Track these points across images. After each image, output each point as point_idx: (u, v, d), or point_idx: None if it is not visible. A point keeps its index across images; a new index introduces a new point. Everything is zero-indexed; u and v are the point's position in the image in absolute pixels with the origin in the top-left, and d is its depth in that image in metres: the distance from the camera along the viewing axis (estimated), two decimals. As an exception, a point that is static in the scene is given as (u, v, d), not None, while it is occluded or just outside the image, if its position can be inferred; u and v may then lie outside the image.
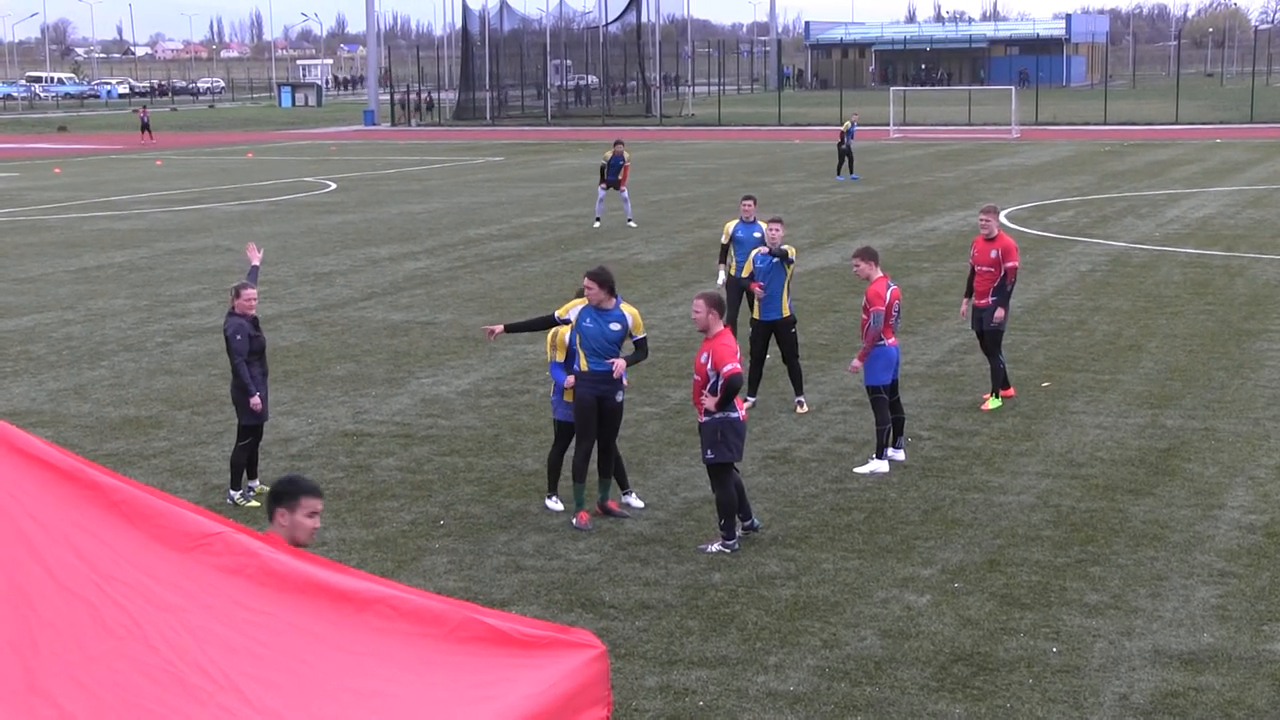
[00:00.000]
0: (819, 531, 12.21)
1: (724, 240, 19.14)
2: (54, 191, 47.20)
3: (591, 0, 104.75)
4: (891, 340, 14.13)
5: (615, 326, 12.12)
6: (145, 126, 79.37)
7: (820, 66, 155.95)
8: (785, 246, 16.13)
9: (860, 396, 16.29)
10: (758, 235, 17.84)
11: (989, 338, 16.20)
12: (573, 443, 12.60)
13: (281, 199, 43.26)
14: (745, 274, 16.55)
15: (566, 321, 12.31)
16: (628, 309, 12.27)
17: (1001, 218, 33.98)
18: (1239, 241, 29.32)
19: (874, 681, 9.32)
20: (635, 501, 12.95)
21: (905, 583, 11.01)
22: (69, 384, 18.01)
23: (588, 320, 12.12)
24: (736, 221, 18.91)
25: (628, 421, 15.87)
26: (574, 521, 12.35)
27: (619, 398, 12.39)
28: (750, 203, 18.95)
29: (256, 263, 14.20)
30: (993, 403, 16.17)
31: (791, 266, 16.13)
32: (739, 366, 11.58)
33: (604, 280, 12.12)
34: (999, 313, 16.06)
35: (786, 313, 16.17)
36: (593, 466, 12.72)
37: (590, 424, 12.33)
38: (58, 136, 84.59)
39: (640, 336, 12.29)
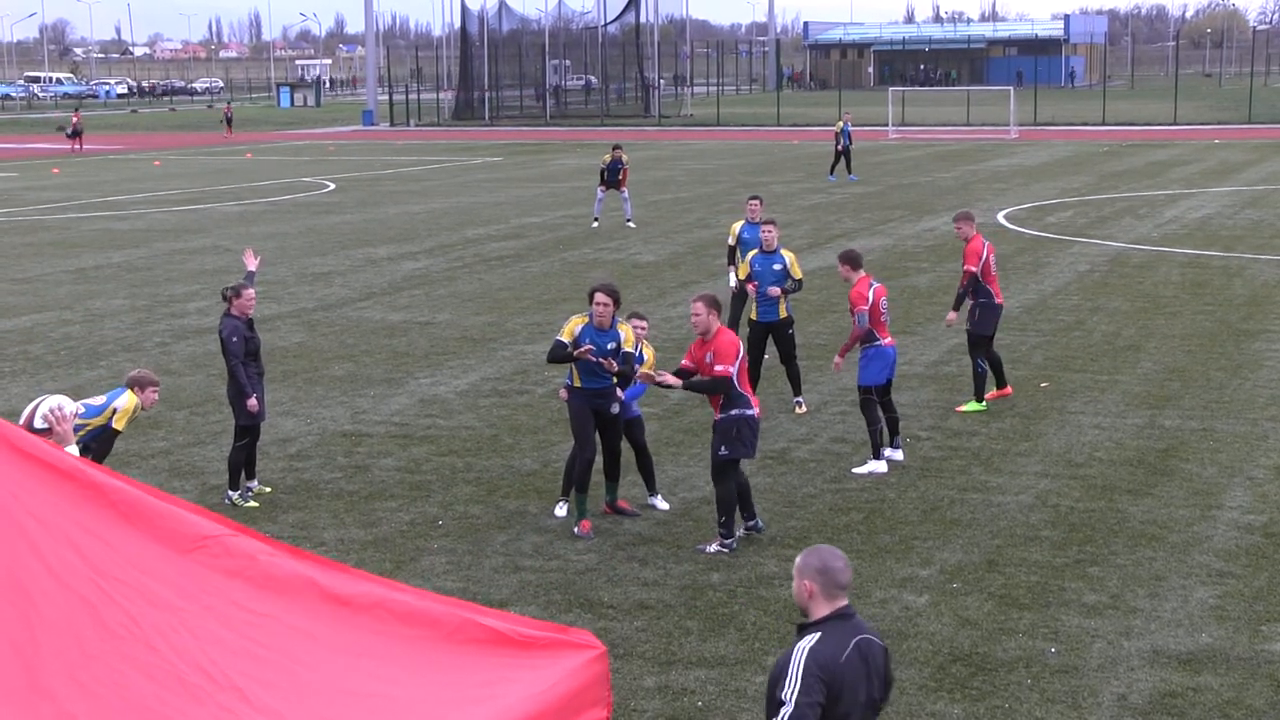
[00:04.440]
0: (818, 532, 12.21)
1: (730, 241, 19.14)
2: (52, 192, 47.19)
3: (590, 0, 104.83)
4: (888, 340, 14.18)
5: (611, 345, 12.15)
6: (227, 121, 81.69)
7: (819, 67, 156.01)
8: (799, 278, 16.17)
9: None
10: (779, 268, 17.89)
11: (968, 340, 16.33)
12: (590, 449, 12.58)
13: (280, 199, 43.26)
14: (741, 275, 16.58)
15: (579, 343, 12.12)
16: (622, 328, 12.27)
17: (1001, 217, 34.07)
18: (1237, 242, 29.33)
19: (872, 682, 9.32)
20: (661, 504, 12.94)
21: (904, 583, 11.02)
22: (67, 384, 18.00)
23: (587, 340, 12.09)
24: (742, 222, 18.90)
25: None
26: (575, 530, 12.32)
27: (614, 409, 12.40)
28: (756, 203, 18.94)
29: (253, 268, 14.21)
30: (969, 405, 16.10)
31: (791, 283, 16.09)
32: (732, 370, 11.59)
33: (619, 300, 12.23)
34: (949, 315, 16.53)
35: (784, 314, 16.17)
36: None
37: (588, 432, 12.34)
38: (56, 137, 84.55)
39: (627, 351, 12.21)
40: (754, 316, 16.34)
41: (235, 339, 13.01)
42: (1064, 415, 15.85)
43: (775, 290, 15.96)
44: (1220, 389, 16.89)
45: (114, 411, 11.83)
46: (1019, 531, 12.13)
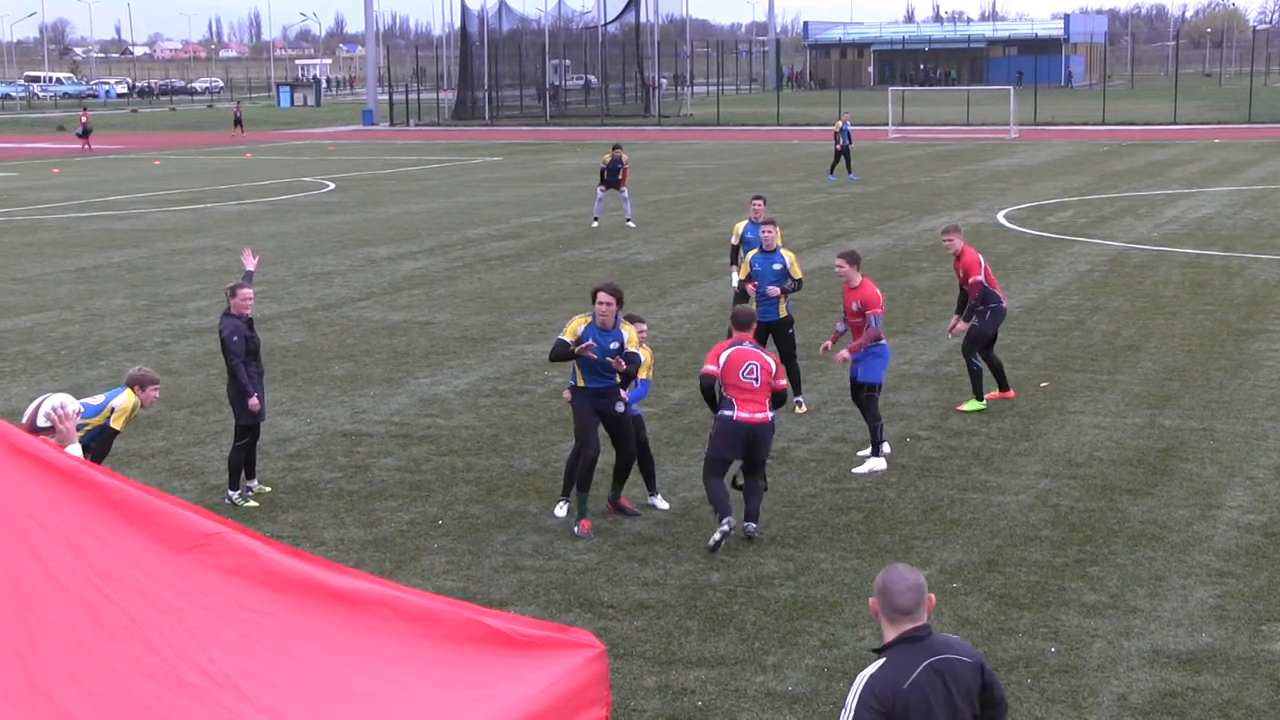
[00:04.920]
0: (817, 531, 12.22)
1: (734, 241, 19.14)
2: (52, 191, 47.19)
3: (590, 0, 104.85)
4: (884, 340, 14.32)
5: (614, 345, 12.19)
6: (238, 121, 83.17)
7: (819, 66, 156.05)
8: (799, 278, 16.19)
9: (859, 396, 16.30)
10: (778, 268, 17.97)
11: (966, 338, 16.19)
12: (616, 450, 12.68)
13: (280, 199, 43.26)
14: (741, 275, 16.60)
15: (581, 342, 12.19)
16: (625, 328, 12.31)
17: (1001, 217, 34.06)
18: (1237, 242, 29.33)
19: (872, 681, 9.32)
20: (661, 503, 12.95)
21: (904, 583, 11.00)
22: (67, 384, 17.99)
23: (590, 340, 12.14)
24: (746, 222, 18.91)
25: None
26: (575, 530, 12.29)
27: (618, 408, 12.39)
28: (760, 203, 18.96)
29: (251, 267, 14.20)
30: (969, 405, 16.07)
31: (791, 282, 16.12)
32: (710, 368, 12.03)
33: (621, 300, 12.28)
34: (958, 324, 16.28)
35: (784, 313, 16.17)
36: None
37: (590, 432, 12.33)
38: (56, 136, 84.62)
39: (631, 351, 12.25)
40: (754, 316, 16.32)
41: (235, 338, 13.00)
42: (1064, 415, 15.85)
43: (775, 290, 15.98)
44: (1220, 389, 16.89)
45: (112, 411, 11.82)
46: (1019, 531, 12.13)
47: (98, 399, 12.06)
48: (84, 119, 71.56)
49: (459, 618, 5.91)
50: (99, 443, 11.81)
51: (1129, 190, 40.54)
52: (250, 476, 13.46)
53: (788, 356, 16.24)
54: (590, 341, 12.09)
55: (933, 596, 5.57)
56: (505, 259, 29.01)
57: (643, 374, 12.70)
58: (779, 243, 16.69)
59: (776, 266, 16.10)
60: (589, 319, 12.20)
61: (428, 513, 12.92)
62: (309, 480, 13.98)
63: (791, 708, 8.99)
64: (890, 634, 5.52)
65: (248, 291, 13.21)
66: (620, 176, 33.61)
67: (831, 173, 45.91)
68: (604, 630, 9.98)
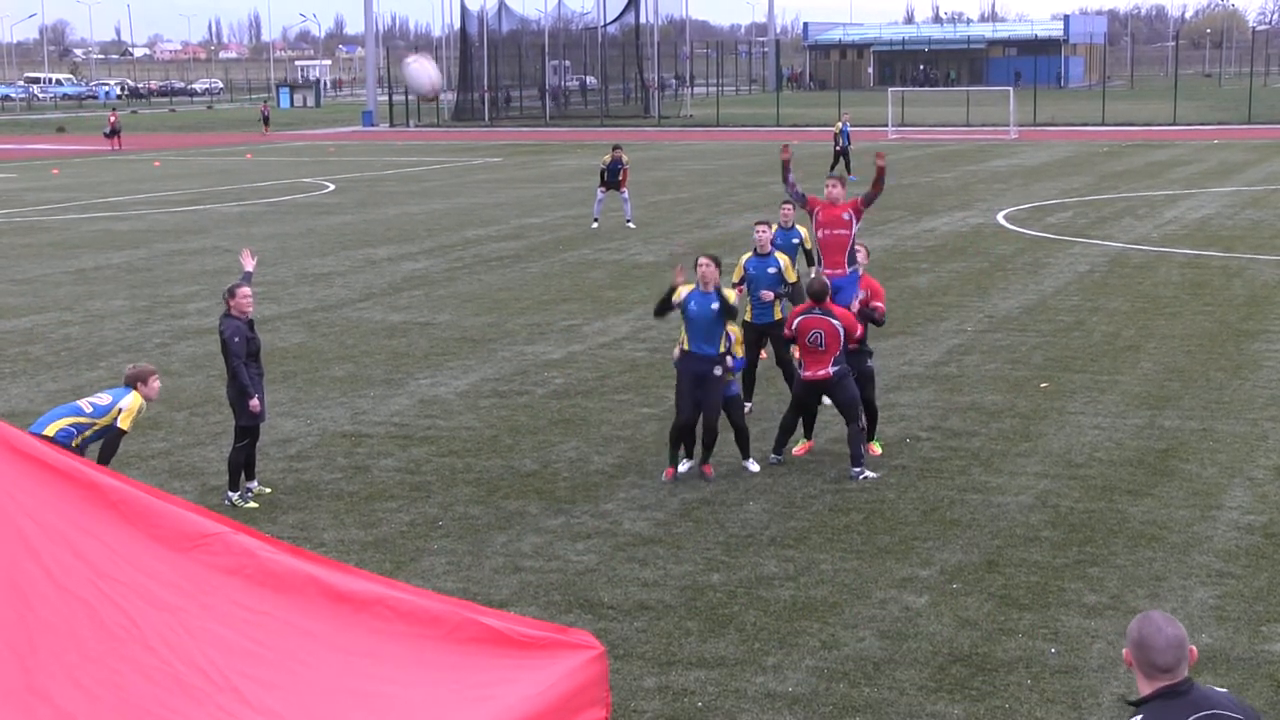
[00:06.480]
0: (817, 532, 12.21)
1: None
2: (52, 192, 47.18)
3: (590, 1, 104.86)
4: None
5: (715, 306, 13.58)
6: (265, 120, 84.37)
7: (819, 67, 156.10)
8: (794, 280, 16.17)
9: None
10: (795, 242, 18.27)
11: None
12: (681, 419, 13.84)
13: (280, 200, 43.25)
14: (736, 278, 16.54)
15: (685, 305, 13.72)
16: (725, 290, 13.67)
17: (1001, 217, 34.05)
18: (1237, 242, 29.33)
19: (872, 682, 9.33)
20: (753, 466, 14.06)
21: (904, 583, 11.02)
22: (67, 385, 18.00)
23: (693, 304, 13.63)
24: (775, 228, 18.87)
25: (627, 423, 15.88)
26: (663, 476, 13.72)
27: (716, 371, 13.58)
28: (789, 208, 18.99)
29: (250, 268, 14.19)
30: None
31: (785, 286, 16.08)
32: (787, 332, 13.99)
33: (719, 263, 13.82)
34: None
35: (779, 315, 16.08)
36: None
37: (684, 395, 13.63)
38: (56, 137, 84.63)
39: (731, 305, 13.67)
40: (748, 318, 16.23)
41: (237, 339, 13.00)
42: (1064, 415, 15.84)
43: (768, 295, 15.92)
44: (1220, 389, 16.88)
45: (119, 411, 11.88)
46: (1019, 532, 12.12)
47: (105, 399, 12.10)
48: (113, 119, 72.45)
49: (459, 618, 5.91)
50: (107, 443, 11.87)
51: (1129, 191, 40.54)
52: (250, 477, 13.46)
53: (782, 360, 16.20)
54: (675, 299, 13.65)
55: (1194, 649, 5.26)
56: (505, 260, 29.01)
57: (739, 351, 14.21)
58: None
59: (771, 270, 16.03)
60: (693, 285, 13.71)
61: (428, 514, 12.91)
62: (309, 481, 13.98)
63: (791, 709, 8.99)
64: (1147, 688, 5.20)
65: (246, 290, 13.20)
66: (620, 177, 33.60)
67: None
68: (604, 631, 9.98)
